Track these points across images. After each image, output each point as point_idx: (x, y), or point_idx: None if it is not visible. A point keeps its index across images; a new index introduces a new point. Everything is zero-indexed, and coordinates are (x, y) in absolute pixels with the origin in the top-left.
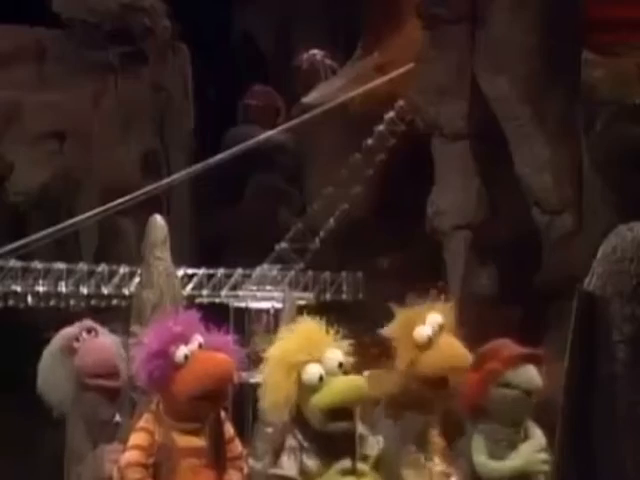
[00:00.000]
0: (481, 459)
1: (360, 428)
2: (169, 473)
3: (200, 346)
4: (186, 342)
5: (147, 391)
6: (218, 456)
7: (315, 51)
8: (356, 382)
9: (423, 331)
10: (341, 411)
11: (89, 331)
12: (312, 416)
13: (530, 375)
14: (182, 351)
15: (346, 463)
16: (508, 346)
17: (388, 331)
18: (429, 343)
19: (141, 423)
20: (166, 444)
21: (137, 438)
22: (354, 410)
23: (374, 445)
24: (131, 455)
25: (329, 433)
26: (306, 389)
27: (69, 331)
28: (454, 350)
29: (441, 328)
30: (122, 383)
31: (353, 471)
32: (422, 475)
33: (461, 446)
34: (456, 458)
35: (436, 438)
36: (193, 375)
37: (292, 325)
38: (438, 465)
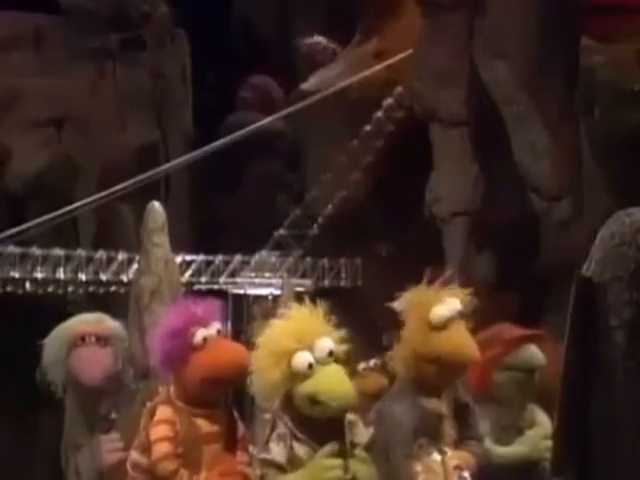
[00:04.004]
0: (487, 444)
1: (350, 415)
2: (196, 461)
3: (218, 332)
4: (205, 326)
5: (160, 374)
6: (231, 439)
7: (320, 38)
8: (344, 388)
9: (440, 311)
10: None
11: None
12: (300, 402)
13: (530, 354)
14: (201, 333)
15: (333, 446)
16: (507, 329)
17: (399, 305)
18: (444, 325)
19: (159, 416)
20: (190, 433)
21: (161, 430)
22: None
23: (363, 432)
24: (162, 447)
25: (317, 419)
26: (295, 376)
27: (78, 329)
28: (467, 339)
29: (460, 315)
30: (115, 383)
31: (341, 454)
32: (434, 470)
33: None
34: (466, 447)
35: (449, 430)
36: (208, 359)
37: (285, 312)
38: (452, 459)
